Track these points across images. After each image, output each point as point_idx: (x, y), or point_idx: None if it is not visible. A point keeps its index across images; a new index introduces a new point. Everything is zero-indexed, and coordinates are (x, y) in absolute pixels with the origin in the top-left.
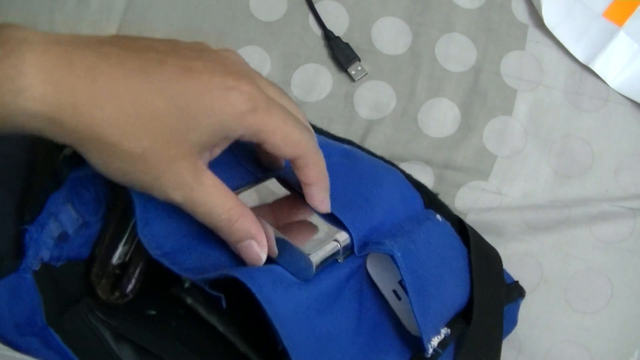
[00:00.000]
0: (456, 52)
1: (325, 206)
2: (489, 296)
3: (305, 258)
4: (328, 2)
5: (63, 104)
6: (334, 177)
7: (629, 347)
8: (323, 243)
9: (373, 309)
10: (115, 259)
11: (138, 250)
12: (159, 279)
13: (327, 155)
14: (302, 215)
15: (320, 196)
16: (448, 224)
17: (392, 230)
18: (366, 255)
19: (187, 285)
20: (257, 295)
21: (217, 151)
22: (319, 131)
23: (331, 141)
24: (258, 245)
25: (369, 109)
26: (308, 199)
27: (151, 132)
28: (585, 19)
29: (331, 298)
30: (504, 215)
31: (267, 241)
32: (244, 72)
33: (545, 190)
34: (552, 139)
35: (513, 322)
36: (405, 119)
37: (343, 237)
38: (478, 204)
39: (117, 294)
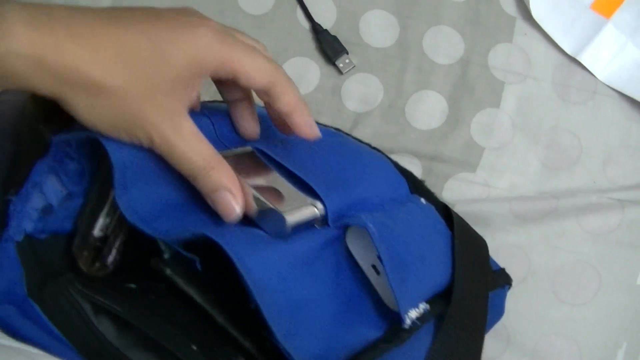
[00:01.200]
0: (444, 45)
1: (313, 130)
2: (472, 277)
3: (279, 215)
4: None
5: (46, 43)
6: (316, 152)
7: (617, 339)
8: (300, 207)
9: (351, 282)
10: (96, 231)
11: (119, 222)
12: (140, 255)
13: None
14: (279, 186)
15: (305, 120)
16: (432, 207)
17: (371, 209)
18: (343, 229)
19: (166, 256)
20: (228, 251)
21: (194, 94)
22: None
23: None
24: (233, 198)
25: (356, 101)
26: (295, 129)
27: (130, 67)
28: (573, 11)
29: (304, 262)
30: (491, 207)
31: (245, 197)
32: (206, 17)
33: (533, 182)
34: (540, 131)
35: (500, 310)
36: (393, 111)
37: (319, 205)
38: (466, 196)
39: (97, 265)
